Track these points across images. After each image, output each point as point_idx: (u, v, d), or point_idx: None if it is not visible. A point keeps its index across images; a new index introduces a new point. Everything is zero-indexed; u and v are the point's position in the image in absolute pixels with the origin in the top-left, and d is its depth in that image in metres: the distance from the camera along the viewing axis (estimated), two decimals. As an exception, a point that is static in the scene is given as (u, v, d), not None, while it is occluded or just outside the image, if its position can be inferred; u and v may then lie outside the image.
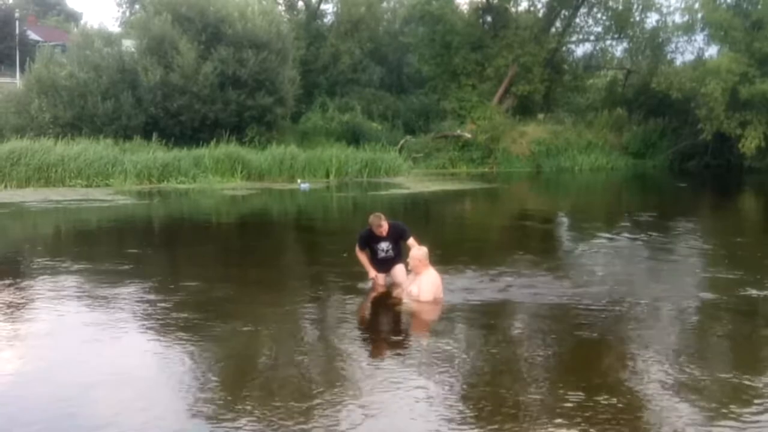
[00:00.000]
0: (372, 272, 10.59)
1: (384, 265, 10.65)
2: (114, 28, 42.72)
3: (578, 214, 22.50)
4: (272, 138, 33.04)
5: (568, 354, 7.94)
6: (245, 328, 8.71)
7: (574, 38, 43.83)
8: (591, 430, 5.84)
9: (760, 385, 6.84)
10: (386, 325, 9.64)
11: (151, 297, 10.18)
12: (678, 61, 40.88)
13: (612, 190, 31.48)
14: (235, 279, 11.75)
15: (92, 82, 31.21)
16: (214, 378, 7.04)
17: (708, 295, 10.59)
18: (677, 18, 39.37)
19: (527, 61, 38.96)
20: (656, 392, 6.58)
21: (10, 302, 9.84)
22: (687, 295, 10.54)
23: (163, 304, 9.75)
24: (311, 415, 6.10)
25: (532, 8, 42.57)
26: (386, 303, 10.03)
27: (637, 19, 41.18)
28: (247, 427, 5.88)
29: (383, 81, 44.67)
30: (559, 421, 5.98)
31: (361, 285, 10.64)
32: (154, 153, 28.51)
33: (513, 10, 41.76)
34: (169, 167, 27.65)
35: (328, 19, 45.64)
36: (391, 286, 10.49)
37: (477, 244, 16.25)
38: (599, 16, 42.46)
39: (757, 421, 6.05)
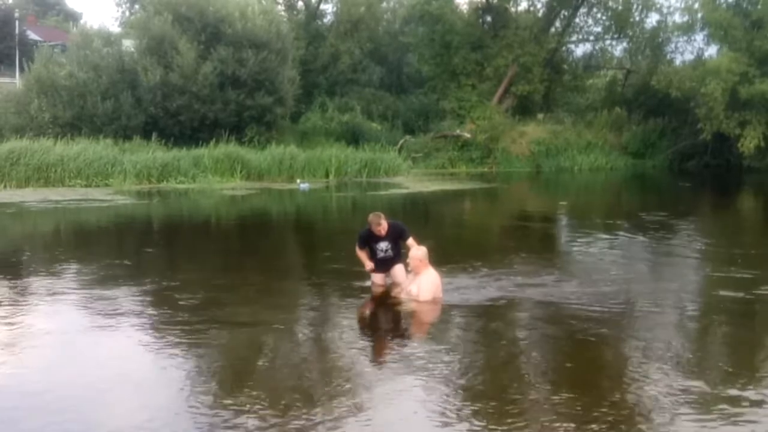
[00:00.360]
0: (369, 264, 10.57)
1: (383, 264, 10.64)
2: (114, 28, 42.81)
3: (578, 214, 22.49)
4: (272, 138, 33.05)
5: (568, 354, 7.94)
6: (245, 327, 8.71)
7: (573, 38, 43.86)
8: (592, 430, 5.84)
9: (762, 385, 6.84)
10: (386, 325, 9.64)
11: (151, 297, 10.18)
12: (678, 61, 40.99)
13: (612, 190, 31.48)
14: (234, 279, 11.74)
15: (92, 82, 31.21)
16: (213, 378, 7.03)
17: (710, 295, 10.62)
18: (677, 18, 39.47)
19: (527, 61, 38.98)
20: (658, 393, 6.57)
21: (9, 302, 9.84)
22: (689, 295, 10.55)
23: (162, 305, 9.76)
24: (311, 414, 6.10)
25: (531, 8, 42.64)
26: (386, 303, 10.03)
27: (637, 19, 41.23)
28: (246, 427, 5.87)
29: (383, 81, 44.69)
30: (560, 421, 5.97)
31: (360, 284, 10.64)
32: (154, 153, 28.52)
33: (513, 10, 41.79)
34: (169, 167, 27.66)
35: (328, 19, 45.67)
36: (391, 285, 10.49)
37: (476, 244, 16.26)
38: (599, 16, 42.51)
39: (758, 422, 6.05)
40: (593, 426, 5.89)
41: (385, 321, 9.78)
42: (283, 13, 41.69)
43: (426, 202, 24.65)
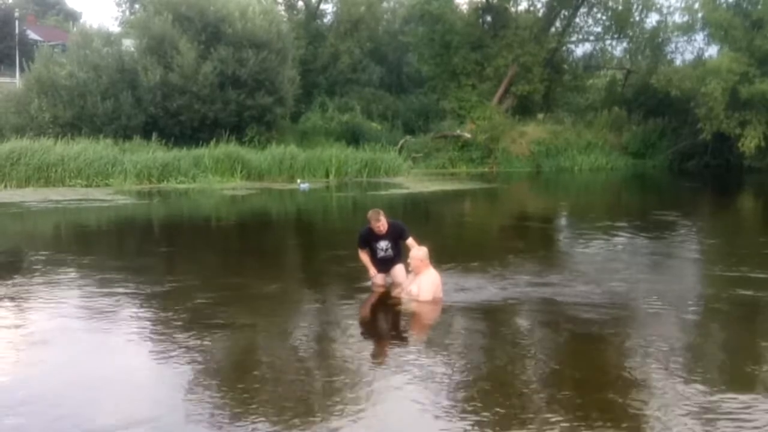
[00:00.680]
0: (372, 271, 10.59)
1: (384, 264, 10.65)
2: (114, 27, 42.80)
3: (578, 214, 22.50)
4: (272, 138, 33.09)
5: (568, 354, 7.94)
6: (244, 327, 8.71)
7: (573, 38, 43.91)
8: (592, 429, 5.84)
9: (761, 384, 6.84)
10: (386, 325, 9.64)
11: (150, 298, 10.18)
12: (678, 61, 41.07)
13: (612, 190, 31.49)
14: (234, 279, 11.73)
15: (92, 81, 31.23)
16: (212, 379, 7.03)
17: (713, 295, 10.61)
18: (677, 18, 39.51)
19: (527, 61, 39.00)
20: (661, 393, 6.57)
21: (9, 302, 9.84)
22: (691, 295, 10.55)
23: (162, 305, 9.76)
24: (311, 414, 6.10)
25: (531, 8, 42.69)
26: (386, 302, 10.02)
27: (637, 19, 41.30)
28: (246, 427, 5.87)
29: (383, 81, 44.73)
30: (561, 421, 5.97)
31: (360, 284, 10.64)
32: (154, 153, 28.54)
33: (513, 9, 41.82)
34: (169, 167, 27.67)
35: (328, 18, 45.72)
36: (391, 285, 10.49)
37: (477, 244, 16.26)
38: (599, 16, 42.57)
39: (756, 420, 6.05)
40: (595, 426, 5.89)
41: (386, 321, 9.78)
42: (283, 12, 41.73)
43: (426, 202, 24.66)
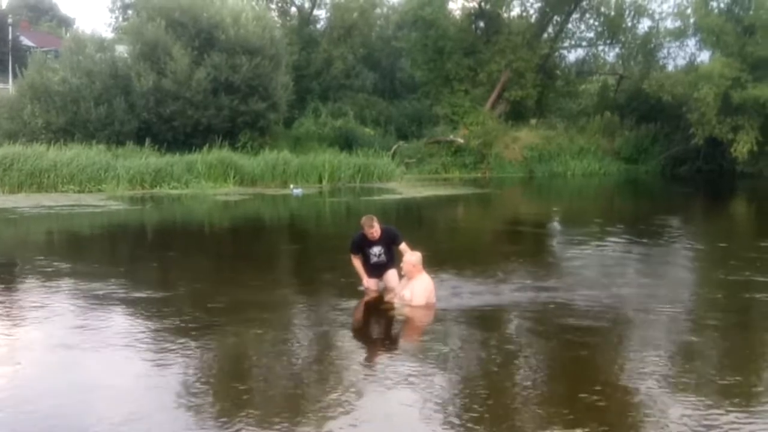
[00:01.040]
0: (365, 279, 10.60)
1: (377, 270, 10.65)
2: (107, 33, 42.63)
3: (571, 220, 22.55)
4: (265, 143, 33.10)
5: (561, 359, 7.95)
6: (237, 334, 8.70)
7: (566, 44, 44.05)
8: (583, 433, 5.86)
9: (754, 388, 6.86)
10: (379, 330, 9.64)
11: (143, 304, 10.16)
12: (670, 67, 41.23)
13: (605, 196, 31.55)
14: (227, 285, 11.72)
15: (85, 87, 31.20)
16: (205, 385, 7.02)
17: (707, 300, 10.65)
18: (669, 23, 39.71)
19: (520, 67, 39.09)
20: (651, 396, 6.58)
21: (2, 311, 9.81)
22: (681, 298, 10.57)
23: (154, 311, 9.73)
24: (304, 420, 6.10)
25: (524, 14, 42.80)
26: (379, 308, 10.02)
27: (629, 24, 41.46)
28: (239, 432, 5.89)
29: (376, 86, 44.78)
30: (554, 426, 5.98)
31: (353, 290, 10.64)
32: (147, 158, 28.51)
33: (505, 15, 41.95)
34: (162, 173, 27.64)
35: (321, 24, 45.78)
36: (384, 290, 10.49)
37: (469, 249, 16.27)
38: (591, 21, 42.73)
39: (753, 422, 6.07)
40: (586, 429, 5.90)
41: (378, 326, 9.79)
42: (276, 18, 41.76)
43: (419, 207, 24.68)
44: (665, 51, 41.52)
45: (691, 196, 31.01)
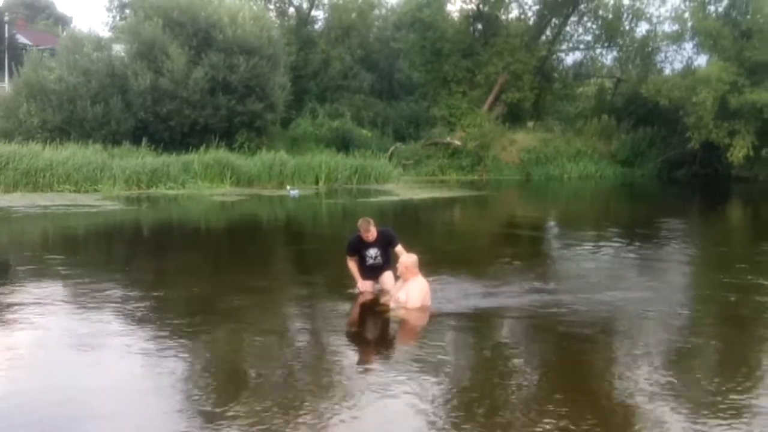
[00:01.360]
0: (360, 283, 10.57)
1: (373, 272, 10.64)
2: (104, 32, 42.55)
3: (567, 223, 22.58)
4: (262, 144, 33.05)
5: (556, 361, 7.94)
6: (233, 335, 8.69)
7: (564, 46, 44.09)
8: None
9: (755, 392, 6.85)
10: (374, 332, 9.62)
11: (140, 304, 10.13)
12: (667, 70, 41.28)
13: (601, 199, 31.56)
14: (223, 286, 11.71)
15: (81, 86, 31.13)
16: (202, 385, 7.00)
17: (702, 302, 10.65)
18: (666, 27, 39.73)
19: (517, 69, 39.11)
20: (645, 399, 6.57)
21: (-4, 308, 9.79)
22: (676, 302, 10.56)
23: (150, 312, 9.72)
24: (299, 422, 6.07)
25: (522, 16, 42.86)
26: (374, 310, 10.00)
27: (627, 28, 41.49)
28: (233, 435, 5.86)
29: (373, 87, 44.77)
30: (546, 427, 5.96)
31: (349, 291, 10.62)
32: (143, 158, 28.44)
33: (503, 17, 41.96)
34: (158, 173, 27.58)
35: (319, 25, 45.70)
36: (380, 292, 10.48)
37: (466, 251, 16.27)
38: (589, 24, 42.77)
39: (749, 423, 6.05)
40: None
41: (374, 328, 9.77)
42: (274, 18, 41.68)
43: (416, 209, 24.68)
44: (662, 54, 41.59)
45: (687, 199, 31.07)
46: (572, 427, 5.99)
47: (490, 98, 39.94)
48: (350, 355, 8.21)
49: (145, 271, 13.19)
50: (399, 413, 6.34)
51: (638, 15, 40.91)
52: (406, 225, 19.80)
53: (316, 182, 30.33)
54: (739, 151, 33.85)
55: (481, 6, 40.92)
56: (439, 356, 7.92)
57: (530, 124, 43.62)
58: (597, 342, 8.63)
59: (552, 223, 22.59)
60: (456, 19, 42.35)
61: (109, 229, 18.83)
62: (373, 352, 8.53)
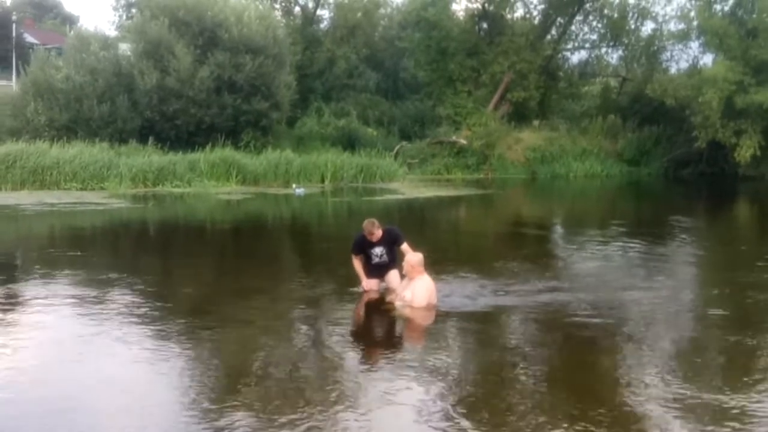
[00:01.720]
0: (365, 281, 10.61)
1: (378, 270, 10.67)
2: (110, 31, 42.61)
3: (573, 221, 22.58)
4: (268, 143, 33.10)
5: (563, 361, 7.96)
6: (238, 332, 8.72)
7: (569, 46, 44.01)
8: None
9: (759, 392, 6.86)
10: (380, 331, 9.66)
11: (146, 302, 10.17)
12: (673, 69, 41.21)
13: (607, 197, 31.54)
14: (229, 284, 11.75)
15: (88, 85, 31.22)
16: (207, 382, 7.04)
17: (706, 302, 10.64)
18: (672, 26, 39.66)
19: (523, 68, 39.06)
20: (654, 399, 6.57)
21: (2, 305, 9.83)
22: (683, 302, 10.56)
23: (157, 309, 9.76)
24: (304, 421, 6.11)
25: (527, 15, 42.80)
26: (380, 308, 10.03)
27: (633, 27, 41.39)
28: (239, 430, 5.89)
29: (379, 86, 44.77)
30: (554, 427, 5.99)
31: (354, 290, 10.64)
32: (150, 157, 28.51)
33: (509, 17, 41.93)
34: (165, 171, 27.64)
35: (325, 24, 45.78)
36: (386, 291, 10.50)
37: (472, 250, 16.28)
38: (595, 23, 42.68)
39: (758, 423, 6.07)
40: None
41: (379, 327, 9.80)
42: (279, 18, 41.72)
43: (422, 208, 24.69)
44: (668, 53, 41.56)
45: (693, 198, 31.01)
46: (580, 428, 6.02)
47: (496, 97, 39.92)
48: (355, 354, 8.24)
49: (151, 269, 13.23)
50: (403, 413, 6.37)
51: (644, 14, 40.81)
52: (411, 224, 19.80)
53: (322, 181, 30.35)
54: (746, 151, 33.79)
55: (486, 5, 40.88)
56: (445, 355, 7.94)
57: (536, 123, 43.52)
58: (607, 342, 8.63)
59: (559, 222, 22.59)
60: (461, 18, 42.31)
61: (116, 227, 18.89)
62: (379, 351, 8.55)
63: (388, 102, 43.30)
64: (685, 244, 17.02)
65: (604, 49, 43.77)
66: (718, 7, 36.89)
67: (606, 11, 41.26)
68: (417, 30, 41.53)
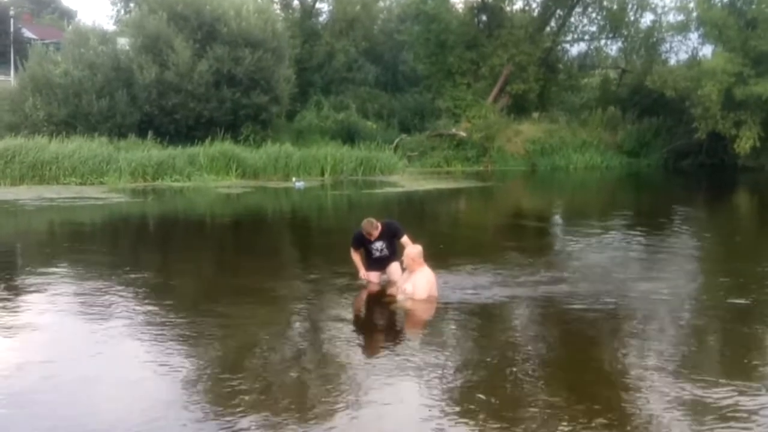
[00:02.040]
0: (363, 272, 10.62)
1: (379, 263, 10.67)
2: (109, 26, 42.55)
3: (573, 213, 22.57)
4: (267, 136, 33.03)
5: (563, 353, 7.96)
6: (239, 325, 8.72)
7: (568, 37, 43.90)
8: (586, 427, 5.85)
9: (758, 388, 6.86)
10: (381, 323, 9.66)
11: (144, 296, 10.18)
12: (672, 61, 41.15)
13: (607, 189, 31.53)
14: (229, 279, 11.76)
15: (87, 80, 31.15)
16: (206, 377, 7.03)
17: (706, 294, 10.66)
18: (671, 17, 39.59)
19: (522, 60, 38.99)
20: (653, 393, 6.58)
21: (3, 303, 9.82)
22: (685, 294, 10.55)
23: (156, 303, 9.76)
24: (305, 411, 6.11)
25: (526, 7, 42.66)
26: (381, 301, 10.04)
27: (632, 18, 41.31)
28: (240, 424, 5.88)
29: (378, 79, 44.68)
30: (554, 420, 5.99)
31: (355, 283, 10.64)
32: (149, 151, 28.46)
33: (508, 9, 41.78)
34: (164, 165, 27.60)
35: (324, 17, 45.69)
36: (387, 283, 10.51)
37: (472, 242, 16.28)
38: (594, 15, 42.56)
39: (753, 425, 6.07)
40: (588, 425, 5.90)
41: (381, 319, 9.80)
42: (278, 11, 41.64)
43: (421, 200, 24.68)
44: (668, 45, 41.48)
45: (693, 189, 31.01)
46: (579, 419, 6.02)
47: (495, 90, 39.85)
48: (356, 347, 8.24)
49: (151, 264, 13.23)
50: (404, 405, 6.37)
51: (643, 5, 40.72)
52: (411, 216, 19.80)
53: (322, 174, 30.32)
54: (745, 143, 33.73)
55: (485, -3, 40.85)
56: (446, 347, 7.95)
57: (535, 115, 43.41)
58: (607, 332, 8.64)
59: (559, 214, 22.59)
60: (460, 10, 42.19)
61: (116, 222, 18.88)
62: (380, 344, 8.55)
63: (387, 95, 43.22)
64: (686, 234, 17.04)
65: (603, 41, 43.69)
66: (717, -2, 36.86)
67: (605, 3, 41.18)
68: (416, 23, 41.44)
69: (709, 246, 15.48)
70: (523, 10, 42.54)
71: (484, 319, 9.21)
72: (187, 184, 26.84)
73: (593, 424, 5.90)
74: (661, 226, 17.98)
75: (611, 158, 38.87)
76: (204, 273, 12.23)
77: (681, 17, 38.17)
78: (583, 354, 7.91)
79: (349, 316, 9.67)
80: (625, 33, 41.65)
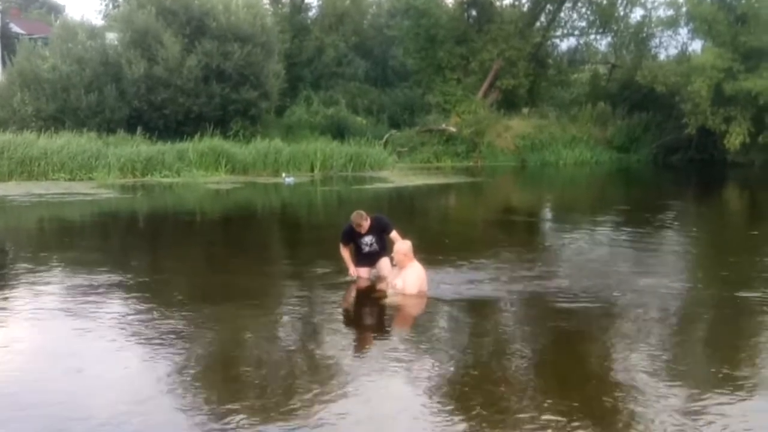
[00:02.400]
0: (352, 269, 10.59)
1: (369, 259, 10.64)
2: (97, 21, 42.36)
3: (563, 208, 22.59)
4: (256, 132, 33.00)
5: (553, 349, 7.95)
6: (228, 323, 8.67)
7: (558, 33, 44.01)
8: (575, 423, 5.83)
9: (744, 376, 6.86)
10: (371, 319, 9.63)
11: (134, 293, 10.12)
12: (662, 56, 41.30)
13: (597, 184, 31.59)
14: (218, 274, 11.71)
15: (75, 75, 31.05)
16: (196, 374, 6.99)
17: (696, 291, 10.66)
18: (661, 12, 39.72)
19: (512, 56, 39.06)
20: (643, 389, 6.56)
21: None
22: (674, 290, 10.54)
23: (145, 299, 9.71)
24: (297, 409, 6.07)
25: (516, 2, 42.77)
26: (371, 296, 10.01)
27: (622, 13, 41.44)
28: (229, 423, 5.84)
29: (368, 74, 44.71)
30: (545, 416, 5.97)
31: (345, 278, 10.61)
32: (138, 146, 28.40)
33: (497, 4, 41.93)
34: (153, 161, 27.53)
35: (313, 12, 45.70)
36: (377, 279, 10.48)
37: (461, 237, 16.26)
38: (584, 10, 42.71)
39: (744, 413, 6.06)
40: (578, 421, 5.88)
41: (371, 315, 9.77)
42: (267, 6, 41.56)
43: (411, 196, 24.68)
44: (657, 40, 41.68)
45: (683, 184, 31.09)
46: (568, 415, 6.01)
47: (485, 85, 39.91)
48: (346, 343, 8.20)
49: (141, 260, 13.18)
50: (394, 401, 6.34)
51: (633, 1, 40.88)
52: (401, 212, 19.79)
53: (312, 170, 30.29)
54: (735, 138, 33.89)
55: (475, -8, 40.86)
56: (436, 343, 7.93)
57: (525, 110, 43.54)
58: (596, 328, 8.63)
59: (548, 210, 22.60)
60: (450, 5, 42.25)
61: (105, 218, 18.79)
62: (370, 338, 8.53)
63: (377, 90, 43.24)
64: (674, 230, 17.04)
65: (593, 36, 43.89)
66: (707, -7, 36.94)
67: (595, -2, 41.31)
68: (406, 18, 41.48)
69: (700, 242, 15.50)
70: (512, 5, 42.68)
71: (475, 314, 9.19)
72: (176, 180, 26.77)
73: (586, 421, 5.88)
74: (651, 222, 17.97)
75: (601, 154, 39.00)
76: (193, 269, 12.17)
77: (671, 12, 38.39)
78: (574, 351, 7.89)
79: (339, 312, 9.64)
80: (615, 28, 41.82)
